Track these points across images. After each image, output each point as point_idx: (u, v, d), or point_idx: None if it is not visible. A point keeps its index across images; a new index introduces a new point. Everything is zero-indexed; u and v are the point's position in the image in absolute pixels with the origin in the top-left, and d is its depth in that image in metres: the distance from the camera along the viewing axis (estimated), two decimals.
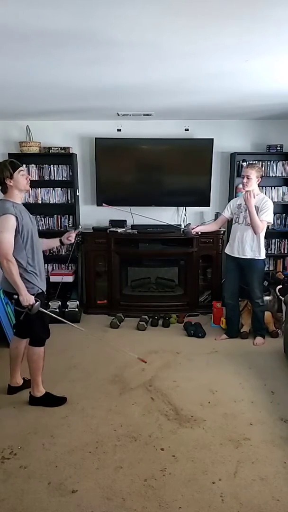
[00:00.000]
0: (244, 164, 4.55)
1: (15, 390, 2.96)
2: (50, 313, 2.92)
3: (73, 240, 3.00)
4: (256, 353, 3.66)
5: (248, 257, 3.68)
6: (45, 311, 2.74)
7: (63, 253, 4.74)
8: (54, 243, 3.07)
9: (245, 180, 3.58)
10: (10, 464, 2.26)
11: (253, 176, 3.56)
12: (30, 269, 2.63)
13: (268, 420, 2.66)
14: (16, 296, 2.55)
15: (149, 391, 3.02)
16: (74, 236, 3.00)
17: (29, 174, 2.75)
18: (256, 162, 4.49)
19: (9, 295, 2.66)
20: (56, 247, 4.46)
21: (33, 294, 2.60)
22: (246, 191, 3.60)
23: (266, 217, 3.59)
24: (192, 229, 3.87)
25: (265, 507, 1.96)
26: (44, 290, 2.78)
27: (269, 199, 3.69)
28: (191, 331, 4.06)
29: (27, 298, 2.54)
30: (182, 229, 3.93)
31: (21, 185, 2.61)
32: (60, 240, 3.00)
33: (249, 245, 3.66)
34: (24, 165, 4.54)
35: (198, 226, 3.95)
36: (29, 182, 2.70)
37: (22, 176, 2.62)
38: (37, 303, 2.58)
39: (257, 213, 3.56)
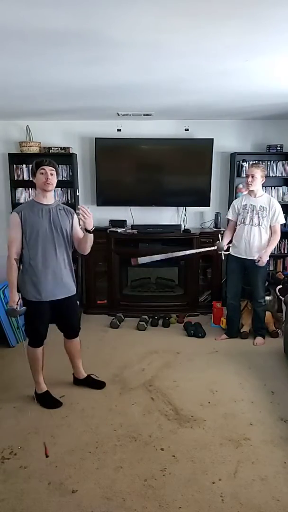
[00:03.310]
0: (245, 164, 4.55)
1: (79, 382, 3.07)
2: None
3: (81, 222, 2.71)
4: (256, 353, 3.66)
5: (256, 258, 3.69)
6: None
7: None
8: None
9: (250, 179, 3.59)
10: (10, 464, 2.26)
11: (258, 175, 3.58)
12: (30, 271, 2.60)
13: (268, 420, 2.66)
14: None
15: (149, 391, 3.02)
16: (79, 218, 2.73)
17: (34, 175, 2.64)
18: (257, 162, 4.49)
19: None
20: None
21: (23, 299, 2.64)
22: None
23: (281, 220, 3.66)
24: (224, 246, 3.74)
25: (265, 507, 1.96)
26: (49, 299, 2.65)
27: (274, 199, 3.72)
28: (191, 331, 4.06)
29: (11, 298, 2.58)
30: (215, 246, 3.76)
31: (38, 183, 2.61)
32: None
33: (257, 246, 3.67)
34: (24, 165, 4.56)
35: (226, 243, 3.81)
36: (48, 182, 2.57)
37: (41, 175, 2.58)
38: (13, 308, 2.57)
39: (266, 215, 3.62)
